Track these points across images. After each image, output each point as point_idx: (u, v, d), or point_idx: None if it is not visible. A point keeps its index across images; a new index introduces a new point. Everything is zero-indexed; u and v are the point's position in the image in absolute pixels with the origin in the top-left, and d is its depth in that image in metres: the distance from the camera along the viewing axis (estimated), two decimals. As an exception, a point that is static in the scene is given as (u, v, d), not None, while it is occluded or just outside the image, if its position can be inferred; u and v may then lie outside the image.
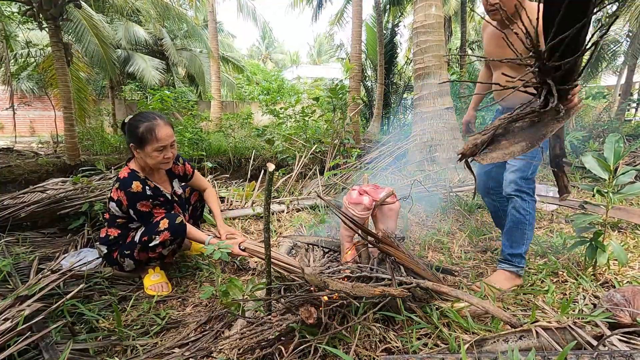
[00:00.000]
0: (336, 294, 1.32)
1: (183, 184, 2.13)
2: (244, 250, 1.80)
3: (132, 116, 1.83)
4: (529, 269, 1.98)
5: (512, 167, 1.93)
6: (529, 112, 1.06)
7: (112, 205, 1.83)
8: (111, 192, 1.83)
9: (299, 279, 1.38)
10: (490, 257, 2.21)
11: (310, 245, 1.96)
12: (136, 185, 1.75)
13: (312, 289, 1.31)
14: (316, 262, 1.55)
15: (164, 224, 1.78)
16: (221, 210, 2.94)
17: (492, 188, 2.20)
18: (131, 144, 1.78)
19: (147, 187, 1.80)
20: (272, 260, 1.46)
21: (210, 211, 2.24)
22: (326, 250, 1.84)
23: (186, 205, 2.15)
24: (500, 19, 1.80)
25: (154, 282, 1.85)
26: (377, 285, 1.25)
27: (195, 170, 2.16)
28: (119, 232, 1.87)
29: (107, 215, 1.91)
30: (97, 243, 1.92)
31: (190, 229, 1.89)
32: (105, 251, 1.88)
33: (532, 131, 1.06)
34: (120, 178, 1.78)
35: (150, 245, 1.77)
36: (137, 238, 1.81)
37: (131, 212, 1.79)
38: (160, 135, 1.73)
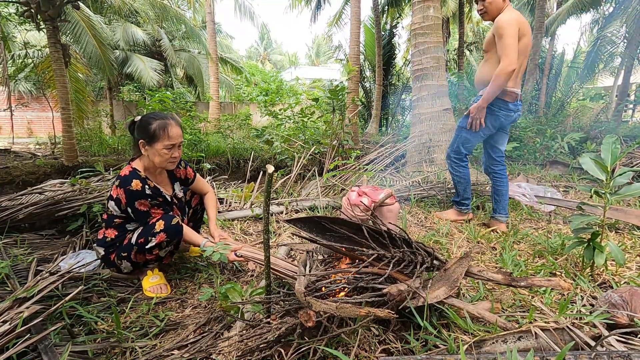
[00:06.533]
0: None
1: (183, 187, 2.14)
2: (240, 257, 1.81)
3: (144, 115, 1.87)
4: (527, 269, 1.99)
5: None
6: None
7: (111, 204, 1.83)
8: (111, 191, 1.83)
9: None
10: (490, 257, 2.21)
11: (308, 253, 1.97)
12: (136, 184, 1.76)
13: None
14: (313, 269, 1.55)
15: (159, 225, 1.77)
16: (220, 212, 2.95)
17: (488, 167, 2.83)
18: (141, 141, 1.80)
19: (146, 186, 1.80)
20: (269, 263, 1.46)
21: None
22: (325, 255, 1.85)
23: (186, 209, 2.16)
24: (489, 19, 2.52)
25: (153, 283, 1.85)
26: (365, 297, 1.25)
27: (197, 175, 2.18)
28: (116, 233, 1.86)
29: (105, 216, 1.91)
30: (95, 245, 1.92)
31: (187, 230, 1.89)
32: (103, 253, 1.87)
33: (446, 278, 1.45)
34: (121, 176, 1.79)
35: (146, 247, 1.77)
36: (133, 240, 1.81)
37: (129, 210, 1.79)
38: (171, 134, 1.79)
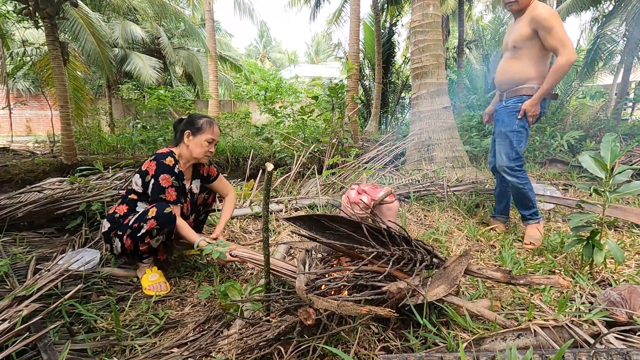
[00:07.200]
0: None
1: (202, 184, 2.23)
2: (235, 257, 1.81)
3: (193, 113, 2.19)
4: (527, 267, 1.99)
5: (499, 151, 2.45)
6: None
7: (136, 177, 1.96)
8: (141, 166, 1.97)
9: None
10: (489, 255, 2.21)
11: (308, 251, 1.96)
12: (169, 160, 1.94)
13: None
14: (312, 268, 1.55)
15: (152, 212, 1.80)
16: (219, 210, 2.94)
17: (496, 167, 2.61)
18: (187, 131, 2.03)
19: (176, 166, 1.97)
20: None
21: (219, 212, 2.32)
22: (324, 254, 1.85)
23: (196, 207, 2.21)
24: (516, 10, 2.30)
25: (152, 282, 1.85)
26: (365, 295, 1.25)
27: (220, 175, 2.29)
28: (125, 210, 1.93)
29: (124, 191, 2.05)
30: (104, 220, 2.00)
31: (183, 224, 1.92)
32: (106, 228, 1.93)
33: (446, 276, 1.45)
34: (158, 153, 1.98)
35: (138, 235, 1.79)
36: (130, 222, 1.84)
37: (152, 182, 1.89)
38: (215, 130, 2.08)
